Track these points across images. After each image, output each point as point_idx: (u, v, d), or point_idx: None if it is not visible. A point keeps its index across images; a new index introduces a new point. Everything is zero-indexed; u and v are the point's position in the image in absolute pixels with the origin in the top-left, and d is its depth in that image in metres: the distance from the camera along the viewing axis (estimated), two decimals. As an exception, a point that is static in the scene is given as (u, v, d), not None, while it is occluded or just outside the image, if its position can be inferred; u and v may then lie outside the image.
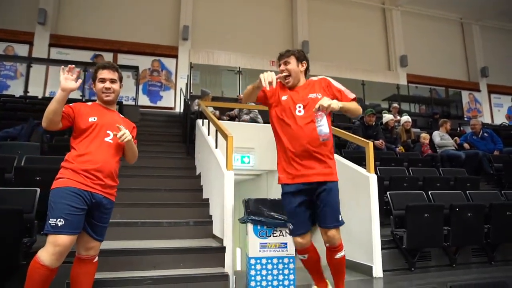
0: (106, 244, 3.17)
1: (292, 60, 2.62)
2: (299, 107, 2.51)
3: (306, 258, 2.62)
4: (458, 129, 10.41)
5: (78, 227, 2.16)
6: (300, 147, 2.43)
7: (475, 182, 5.35)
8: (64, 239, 2.07)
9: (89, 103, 2.52)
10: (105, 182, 2.27)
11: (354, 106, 2.53)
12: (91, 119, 2.35)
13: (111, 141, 2.37)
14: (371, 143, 4.00)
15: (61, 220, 2.08)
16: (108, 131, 2.37)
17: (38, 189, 3.22)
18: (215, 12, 12.79)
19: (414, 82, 14.01)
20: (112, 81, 2.47)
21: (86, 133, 2.33)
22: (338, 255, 2.57)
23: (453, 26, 15.80)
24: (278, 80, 2.54)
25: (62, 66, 2.23)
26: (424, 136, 7.01)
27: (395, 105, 9.86)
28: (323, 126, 2.29)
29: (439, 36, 15.28)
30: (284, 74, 2.58)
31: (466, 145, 7.10)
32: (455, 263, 3.99)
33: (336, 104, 2.33)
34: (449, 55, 15.30)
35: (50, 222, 2.09)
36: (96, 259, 2.41)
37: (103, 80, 2.44)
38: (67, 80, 2.20)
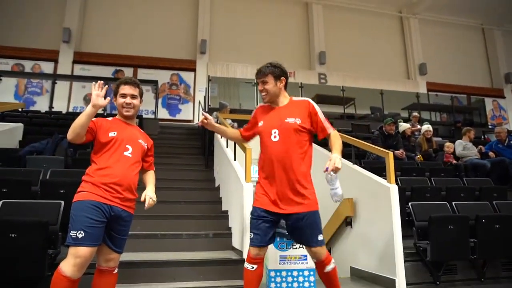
0: (126, 256, 3.22)
1: (270, 79, 2.57)
2: (274, 132, 2.48)
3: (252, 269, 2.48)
4: (482, 137, 10.14)
5: (98, 239, 2.21)
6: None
7: (502, 192, 5.15)
8: (84, 251, 2.12)
9: (110, 118, 2.59)
10: (124, 195, 2.32)
11: (339, 142, 2.46)
12: (111, 134, 2.42)
13: (130, 155, 2.42)
14: (391, 153, 3.94)
15: (81, 232, 2.14)
16: (127, 145, 2.43)
17: (63, 202, 3.30)
18: (232, 25, 12.99)
19: (434, 90, 13.78)
20: (133, 96, 2.53)
21: (106, 148, 2.40)
22: (328, 268, 2.54)
23: (473, 32, 15.51)
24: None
25: (93, 82, 2.33)
26: (448, 145, 6.84)
27: (415, 114, 9.68)
28: (338, 188, 2.31)
29: (459, 42, 15.03)
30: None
31: (491, 154, 6.88)
32: (483, 277, 3.83)
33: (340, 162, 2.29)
34: (470, 61, 15.00)
35: (71, 234, 2.15)
36: (116, 270, 2.44)
37: (124, 96, 2.52)
38: (98, 97, 2.30)
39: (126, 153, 2.41)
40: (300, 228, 2.41)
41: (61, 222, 3.20)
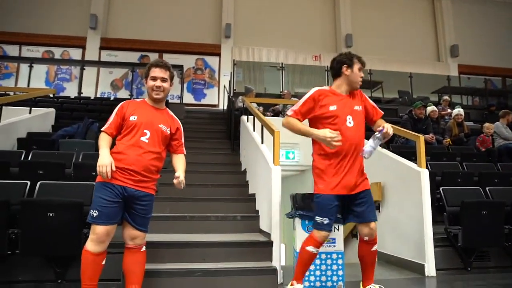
0: (157, 237, 3.31)
1: (344, 68, 2.62)
2: (349, 118, 2.55)
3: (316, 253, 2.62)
4: (517, 121, 9.67)
5: (112, 218, 2.33)
6: None
7: (538, 178, 4.94)
8: (100, 229, 2.29)
9: (138, 99, 2.63)
10: (138, 177, 2.37)
11: None
12: (131, 118, 2.46)
13: (147, 141, 2.42)
14: (422, 137, 3.84)
15: (96, 211, 2.30)
16: (145, 130, 2.44)
17: (95, 183, 3.40)
18: (257, 9, 12.83)
19: (466, 73, 13.23)
20: (163, 79, 2.52)
21: (125, 132, 2.46)
22: (375, 247, 2.70)
23: (509, 11, 14.66)
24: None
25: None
26: (488, 126, 6.52)
27: (446, 97, 9.35)
28: (375, 150, 2.47)
29: (493, 22, 14.26)
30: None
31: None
32: (517, 264, 3.73)
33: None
34: (506, 42, 14.21)
35: (90, 212, 2.32)
36: (144, 248, 2.51)
37: (154, 78, 2.51)
38: (107, 167, 2.29)
39: (143, 138, 2.43)
40: (365, 204, 2.55)
41: (94, 203, 3.31)
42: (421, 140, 3.79)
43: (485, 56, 13.72)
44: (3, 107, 5.35)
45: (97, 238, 2.31)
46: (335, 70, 2.64)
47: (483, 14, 14.24)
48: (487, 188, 4.22)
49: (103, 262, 2.40)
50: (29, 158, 4.46)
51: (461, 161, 5.53)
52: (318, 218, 2.54)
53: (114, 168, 2.32)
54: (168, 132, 2.55)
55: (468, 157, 5.70)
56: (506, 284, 3.26)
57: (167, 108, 2.68)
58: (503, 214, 3.59)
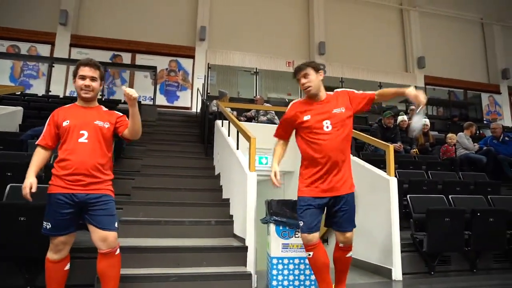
0: (130, 242, 3.28)
1: (310, 71, 2.65)
2: (326, 123, 2.59)
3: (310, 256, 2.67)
4: (477, 132, 10.25)
5: (66, 228, 2.36)
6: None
7: (496, 187, 5.28)
8: (55, 239, 2.36)
9: (68, 105, 2.59)
10: (87, 181, 2.35)
11: None
12: (64, 123, 2.43)
13: (86, 141, 2.40)
14: (391, 146, 4.02)
15: (49, 223, 2.34)
16: (81, 131, 2.41)
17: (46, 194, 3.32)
18: (232, 13, 12.89)
19: (432, 84, 13.87)
20: (93, 78, 2.49)
21: (62, 138, 2.44)
22: (349, 254, 2.79)
23: (472, 27, 15.55)
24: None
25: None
26: (451, 136, 6.87)
27: (413, 107, 9.73)
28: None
29: (458, 37, 15.06)
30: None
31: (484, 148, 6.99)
32: (475, 268, 3.96)
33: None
34: (469, 56, 15.06)
35: (44, 223, 2.36)
36: (118, 252, 2.47)
37: (83, 77, 2.47)
38: (26, 190, 2.32)
39: (81, 139, 2.40)
40: (344, 212, 2.62)
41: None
42: (390, 149, 3.96)
43: (449, 69, 14.44)
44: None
45: (54, 247, 2.37)
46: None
47: (448, 28, 14.99)
48: (450, 196, 4.46)
49: (66, 268, 2.45)
50: (-5, 159, 4.28)
51: (426, 169, 5.81)
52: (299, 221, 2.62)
53: (34, 190, 2.32)
54: (107, 126, 2.51)
55: (433, 166, 5.99)
56: (466, 286, 3.47)
57: (101, 106, 2.64)
58: (463, 221, 3.82)
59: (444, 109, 13.03)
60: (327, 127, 2.57)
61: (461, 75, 14.49)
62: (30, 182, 2.32)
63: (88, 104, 2.56)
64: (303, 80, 2.64)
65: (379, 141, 4.38)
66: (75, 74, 2.51)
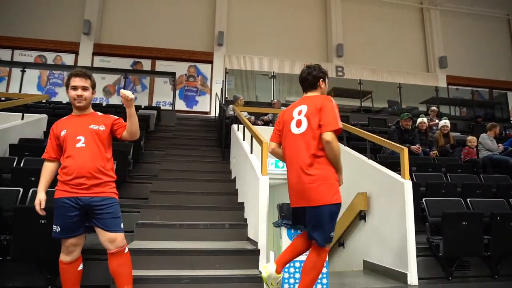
0: (146, 244, 3.39)
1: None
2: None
3: None
4: (503, 133, 9.93)
5: (74, 230, 2.48)
6: None
7: (520, 190, 5.11)
8: (65, 241, 2.49)
9: (65, 117, 2.72)
10: (88, 184, 2.45)
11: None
12: (62, 133, 2.56)
13: (84, 145, 2.51)
14: (406, 149, 3.96)
15: (58, 227, 2.47)
16: (78, 137, 2.52)
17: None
18: (249, 18, 13.01)
19: (454, 84, 13.52)
20: (84, 88, 2.59)
21: (63, 148, 2.57)
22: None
23: (497, 24, 15.09)
24: None
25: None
26: (471, 139, 6.69)
27: (434, 108, 9.55)
28: None
29: (481, 34, 14.66)
30: None
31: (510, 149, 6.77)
32: (497, 274, 3.83)
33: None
34: (493, 54, 14.61)
35: (53, 227, 2.49)
36: (126, 250, 2.57)
37: (75, 88, 2.58)
38: (37, 207, 2.51)
39: (79, 145, 2.51)
40: (308, 222, 2.54)
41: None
42: (405, 152, 3.91)
43: (473, 68, 14.06)
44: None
45: (65, 249, 2.50)
46: (310, 83, 2.70)
47: (470, 26, 14.61)
48: (468, 199, 4.35)
49: (79, 268, 2.58)
50: (21, 165, 4.49)
51: (446, 172, 5.67)
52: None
53: (43, 206, 2.51)
54: (103, 128, 2.61)
55: (453, 168, 5.84)
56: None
57: (96, 112, 2.74)
58: (482, 225, 3.72)
59: (468, 109, 12.65)
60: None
61: (485, 74, 14.06)
62: (39, 199, 2.51)
63: (83, 112, 2.66)
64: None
65: (393, 143, 4.33)
66: (67, 85, 2.62)
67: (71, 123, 2.61)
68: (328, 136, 2.38)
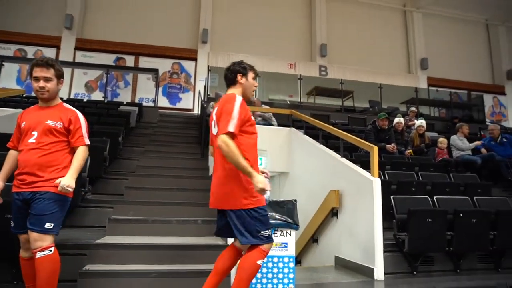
0: (116, 239, 3.41)
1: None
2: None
3: None
4: (479, 133, 10.19)
5: (22, 226, 2.40)
6: None
7: (486, 188, 5.29)
8: (20, 236, 2.47)
9: (32, 106, 2.64)
10: (29, 179, 2.39)
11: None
12: (22, 125, 2.51)
13: (34, 141, 2.43)
14: (375, 148, 4.06)
15: (12, 222, 2.48)
16: (32, 132, 2.45)
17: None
18: (234, 16, 13.03)
19: (435, 85, 13.81)
20: (46, 79, 2.46)
21: (20, 140, 2.53)
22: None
23: (477, 28, 15.47)
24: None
25: None
26: (442, 141, 6.91)
27: (413, 108, 9.75)
28: None
29: (462, 38, 15.01)
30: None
31: (483, 150, 6.98)
32: (459, 268, 3.99)
33: None
34: (473, 57, 14.99)
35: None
36: (40, 254, 2.31)
37: (36, 79, 2.45)
38: None
39: (31, 140, 2.43)
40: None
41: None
42: (374, 151, 4.02)
43: (452, 70, 14.39)
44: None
45: (22, 245, 2.48)
46: (229, 79, 2.62)
47: (451, 29, 14.94)
48: (434, 197, 4.49)
49: None
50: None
51: (418, 170, 5.83)
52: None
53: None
54: (60, 126, 2.49)
55: (426, 167, 6.00)
56: (445, 286, 3.51)
57: (62, 103, 2.65)
58: (446, 222, 3.85)
59: (447, 111, 12.95)
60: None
61: (464, 76, 14.43)
62: None
63: (47, 104, 2.56)
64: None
65: (363, 141, 4.43)
66: (30, 75, 2.49)
67: (32, 116, 2.53)
68: (219, 140, 2.28)
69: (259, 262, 2.42)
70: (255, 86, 2.68)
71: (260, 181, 2.25)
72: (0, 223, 2.82)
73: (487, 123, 12.57)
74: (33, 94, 8.61)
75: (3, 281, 2.96)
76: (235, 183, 2.36)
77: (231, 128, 2.29)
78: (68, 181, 2.39)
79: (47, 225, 2.33)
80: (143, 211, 4.14)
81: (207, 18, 12.63)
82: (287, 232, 3.24)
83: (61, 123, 2.51)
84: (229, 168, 2.36)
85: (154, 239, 3.58)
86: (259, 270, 3.15)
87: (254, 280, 3.16)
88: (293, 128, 6.46)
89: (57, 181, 2.38)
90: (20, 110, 6.41)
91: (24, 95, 8.12)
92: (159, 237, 3.67)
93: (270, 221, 3.18)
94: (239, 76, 2.58)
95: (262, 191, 2.28)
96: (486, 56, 15.35)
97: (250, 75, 2.63)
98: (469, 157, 6.64)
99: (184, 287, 2.99)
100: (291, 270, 3.23)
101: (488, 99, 14.35)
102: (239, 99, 2.44)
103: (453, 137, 6.97)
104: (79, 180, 4.08)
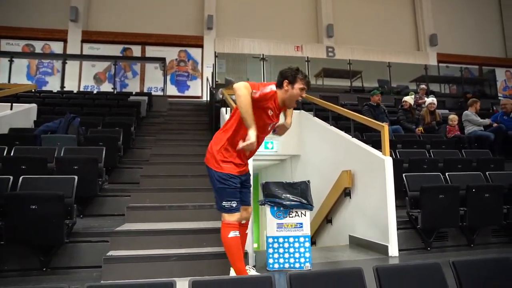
0: (136, 226, 3.52)
1: None
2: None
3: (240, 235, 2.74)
4: (491, 109, 10.04)
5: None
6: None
7: (499, 163, 5.26)
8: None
9: None
10: None
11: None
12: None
13: None
14: (386, 126, 4.08)
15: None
16: None
17: (76, 177, 3.57)
18: (238, 0, 12.87)
19: (444, 62, 13.56)
20: None
21: None
22: (248, 230, 3.04)
23: (487, 0, 15.02)
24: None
25: None
26: (452, 118, 6.83)
27: (423, 86, 9.61)
28: None
29: (471, 11, 14.63)
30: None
31: (495, 125, 6.90)
32: (473, 243, 4.02)
33: None
34: (483, 31, 14.63)
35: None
36: None
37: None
38: None
39: None
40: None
41: (76, 195, 3.49)
42: (385, 129, 4.03)
43: (463, 45, 14.09)
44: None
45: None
46: (278, 81, 2.69)
47: (461, 3, 14.56)
48: (446, 174, 4.50)
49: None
50: (12, 154, 4.58)
51: (430, 148, 5.82)
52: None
53: None
54: None
55: (437, 145, 5.98)
56: (463, 259, 3.54)
57: None
58: (458, 197, 3.87)
59: (457, 87, 12.73)
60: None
61: (475, 51, 14.12)
62: None
63: None
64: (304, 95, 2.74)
65: (373, 121, 4.44)
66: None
67: None
68: (240, 82, 2.51)
69: (231, 235, 2.63)
70: (301, 97, 2.71)
71: (252, 136, 2.46)
72: (25, 214, 2.94)
73: (499, 98, 12.36)
74: (43, 88, 8.75)
75: (32, 269, 3.10)
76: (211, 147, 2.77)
77: (255, 90, 2.50)
78: None
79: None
80: (159, 198, 4.24)
81: (211, 4, 12.54)
82: (301, 212, 3.31)
83: None
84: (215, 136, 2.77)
85: (171, 224, 3.68)
86: (276, 250, 3.25)
87: (271, 260, 3.26)
88: (303, 111, 6.47)
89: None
90: (33, 105, 6.57)
91: (35, 90, 8.23)
92: (176, 223, 3.77)
93: (284, 203, 3.28)
94: (285, 82, 2.64)
95: (248, 146, 2.48)
96: (497, 29, 14.96)
97: (298, 85, 2.64)
98: (482, 133, 6.57)
99: (203, 268, 3.10)
100: (307, 250, 3.31)
101: (500, 73, 14.04)
102: (272, 89, 2.58)
103: (466, 112, 6.85)
104: (96, 170, 4.24)
